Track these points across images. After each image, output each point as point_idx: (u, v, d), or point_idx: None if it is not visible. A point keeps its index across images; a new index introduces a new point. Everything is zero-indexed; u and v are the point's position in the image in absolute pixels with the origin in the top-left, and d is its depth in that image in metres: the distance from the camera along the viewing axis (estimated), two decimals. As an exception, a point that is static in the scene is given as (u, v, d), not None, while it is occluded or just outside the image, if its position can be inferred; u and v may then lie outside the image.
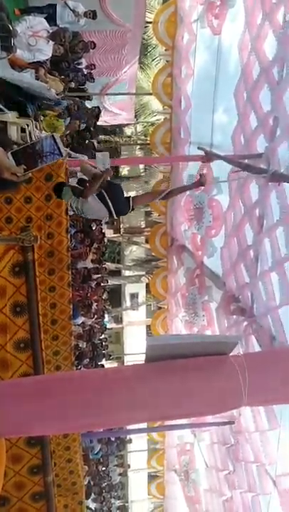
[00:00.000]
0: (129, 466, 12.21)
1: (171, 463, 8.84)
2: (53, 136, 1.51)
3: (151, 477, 11.05)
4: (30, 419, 1.09)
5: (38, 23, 5.02)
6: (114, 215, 4.04)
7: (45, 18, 5.72)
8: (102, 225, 9.22)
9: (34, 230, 2.28)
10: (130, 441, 11.16)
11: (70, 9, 6.53)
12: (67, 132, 6.16)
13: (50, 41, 5.20)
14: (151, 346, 1.05)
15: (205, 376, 1.06)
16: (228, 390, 1.10)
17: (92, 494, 8.68)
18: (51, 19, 6.22)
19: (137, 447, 12.79)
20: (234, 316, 5.24)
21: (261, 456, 5.01)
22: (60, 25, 6.46)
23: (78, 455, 4.36)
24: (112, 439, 9.32)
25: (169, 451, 8.87)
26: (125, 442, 10.95)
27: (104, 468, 9.56)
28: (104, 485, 9.62)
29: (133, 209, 4.27)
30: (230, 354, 1.23)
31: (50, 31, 5.32)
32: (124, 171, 15.57)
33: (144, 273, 15.57)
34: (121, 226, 16.09)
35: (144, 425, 6.69)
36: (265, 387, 1.19)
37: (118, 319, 16.51)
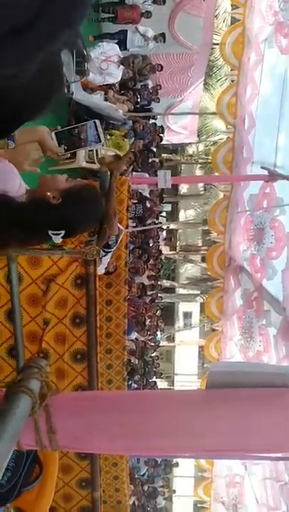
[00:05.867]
0: (174, 491, 11.82)
1: (218, 494, 8.41)
2: (94, 122, 1.57)
3: (198, 508, 10.59)
4: (84, 435, 1.07)
5: (111, 48, 5.29)
6: None
7: (116, 43, 6.01)
8: (159, 242, 9.28)
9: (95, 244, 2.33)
10: (177, 465, 10.84)
11: (141, 34, 6.80)
12: (132, 151, 6.34)
13: (121, 66, 5.45)
14: (215, 373, 1.00)
15: (272, 410, 0.99)
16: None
17: (136, 515, 8.49)
18: (122, 44, 6.53)
19: (184, 473, 12.37)
20: (294, 344, 4.95)
21: None
22: (130, 50, 6.75)
23: (125, 473, 4.30)
24: (159, 461, 9.10)
25: (217, 481, 8.47)
26: (172, 465, 10.65)
27: (149, 490, 9.34)
28: (149, 508, 9.37)
29: None
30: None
31: (122, 56, 5.58)
32: (184, 189, 15.65)
33: (198, 292, 15.34)
34: (177, 244, 16.09)
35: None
36: None
37: (170, 338, 16.34)
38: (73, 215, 1.27)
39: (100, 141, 1.58)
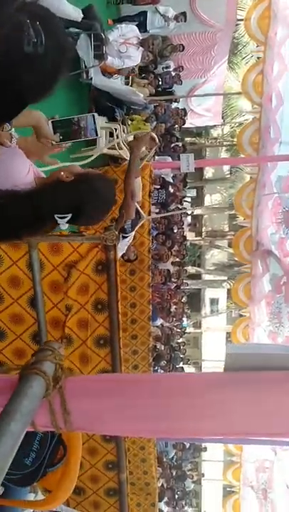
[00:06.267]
0: (203, 474, 11.94)
1: (248, 478, 8.43)
2: (93, 115, 1.60)
3: (227, 492, 10.67)
4: (104, 417, 1.07)
5: (130, 30, 5.18)
6: None
7: (136, 25, 5.88)
8: (183, 227, 9.18)
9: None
10: (205, 449, 10.91)
11: (161, 14, 6.63)
12: (153, 135, 6.24)
13: (140, 48, 5.34)
14: (231, 355, 0.97)
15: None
16: None
17: (166, 498, 8.65)
18: (142, 26, 6.38)
19: (212, 457, 12.45)
20: None
21: None
22: (150, 31, 6.60)
23: (153, 456, 4.36)
24: (187, 445, 9.19)
25: (246, 465, 8.48)
26: (200, 450, 10.73)
27: (178, 473, 9.47)
28: (177, 490, 9.52)
29: None
30: None
31: (141, 38, 5.45)
32: (209, 173, 15.37)
33: (225, 278, 15.16)
34: (203, 229, 15.90)
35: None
36: None
37: (197, 324, 16.31)
38: (82, 195, 1.25)
39: (97, 136, 1.63)
